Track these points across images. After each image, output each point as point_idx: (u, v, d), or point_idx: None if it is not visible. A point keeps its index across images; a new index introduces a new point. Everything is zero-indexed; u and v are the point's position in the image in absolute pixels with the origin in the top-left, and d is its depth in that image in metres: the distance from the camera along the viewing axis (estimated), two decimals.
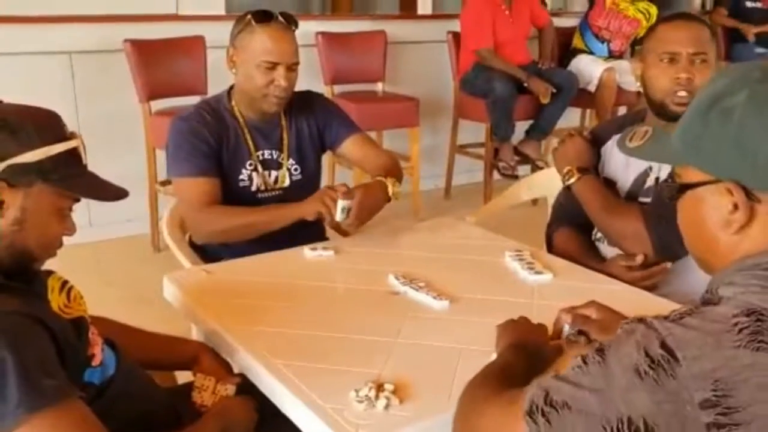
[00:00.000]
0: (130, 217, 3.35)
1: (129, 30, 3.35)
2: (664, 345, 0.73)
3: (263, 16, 1.77)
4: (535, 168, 4.25)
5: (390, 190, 1.81)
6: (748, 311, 0.74)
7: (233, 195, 1.84)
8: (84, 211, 3.49)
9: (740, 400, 0.70)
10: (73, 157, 1.03)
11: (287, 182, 1.92)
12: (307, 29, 3.88)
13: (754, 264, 0.79)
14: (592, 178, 1.74)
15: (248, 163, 1.87)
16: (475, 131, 4.34)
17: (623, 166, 1.73)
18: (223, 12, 3.71)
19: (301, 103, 1.94)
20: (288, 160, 1.92)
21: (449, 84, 4.33)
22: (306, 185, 1.94)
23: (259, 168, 1.88)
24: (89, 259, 3.23)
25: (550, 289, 1.50)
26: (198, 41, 3.39)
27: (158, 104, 3.37)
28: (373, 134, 4.17)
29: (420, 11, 4.45)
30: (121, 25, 3.38)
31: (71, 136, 1.04)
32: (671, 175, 0.91)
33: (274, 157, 1.91)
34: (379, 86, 4.10)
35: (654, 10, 4.43)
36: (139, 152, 3.37)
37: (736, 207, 0.80)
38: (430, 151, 4.50)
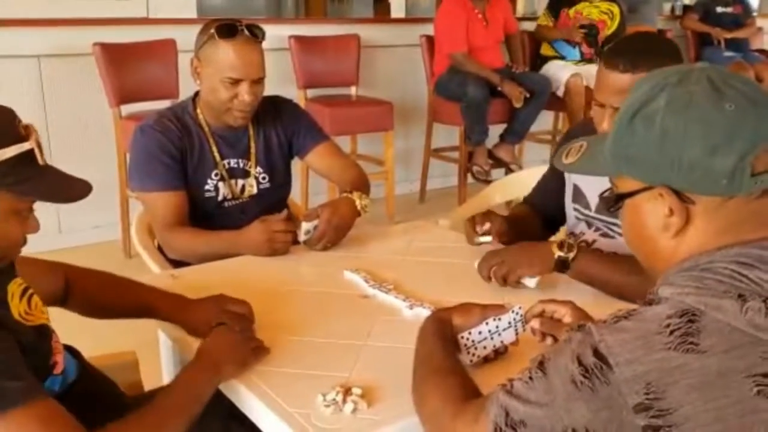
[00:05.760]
0: (101, 222, 3.31)
1: (99, 33, 3.32)
2: (596, 352, 0.75)
3: (227, 31, 1.71)
4: (509, 171, 4.27)
5: (358, 204, 1.78)
6: (682, 312, 0.75)
7: (199, 205, 1.82)
8: (53, 217, 3.45)
9: (672, 402, 0.71)
10: (29, 157, 0.99)
11: (255, 191, 1.90)
12: (280, 33, 3.87)
13: (692, 265, 0.80)
14: (589, 250, 1.56)
15: (214, 172, 1.84)
16: (449, 135, 4.35)
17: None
18: (195, 15, 3.69)
19: (270, 110, 1.91)
20: (255, 168, 1.89)
21: (423, 88, 4.34)
22: (275, 193, 1.92)
23: (226, 177, 1.86)
24: None
25: (523, 293, 1.50)
26: (169, 44, 3.36)
27: (129, 108, 3.33)
28: (347, 138, 4.18)
29: (393, 15, 4.45)
30: (90, 29, 3.35)
31: (26, 133, 0.99)
32: (610, 186, 0.92)
33: (241, 165, 1.88)
34: (352, 90, 4.09)
35: (616, 9, 4.48)
36: (109, 157, 3.32)
37: (672, 211, 0.81)
38: (404, 154, 4.51)
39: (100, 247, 3.46)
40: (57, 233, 3.44)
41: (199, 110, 1.85)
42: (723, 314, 0.73)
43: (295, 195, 3.52)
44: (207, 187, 1.84)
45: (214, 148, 1.85)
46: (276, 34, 3.88)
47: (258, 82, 1.78)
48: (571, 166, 0.93)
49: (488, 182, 4.13)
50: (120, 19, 3.51)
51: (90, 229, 3.47)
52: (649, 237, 0.86)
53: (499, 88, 3.97)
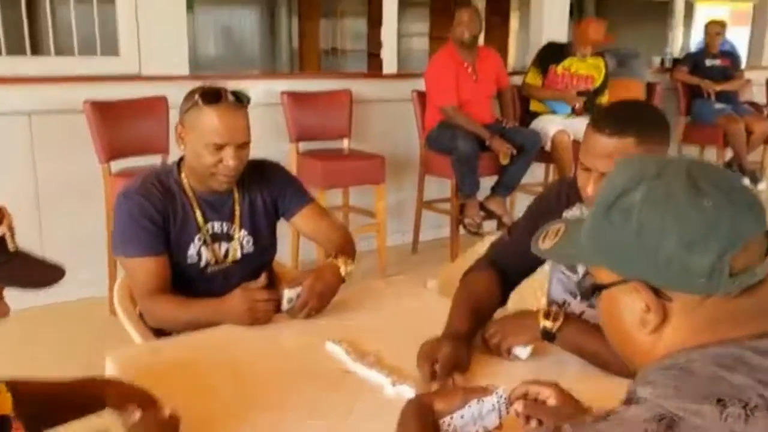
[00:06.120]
0: (88, 278, 3.26)
1: (90, 90, 3.33)
2: None
3: (211, 98, 1.72)
4: (501, 224, 4.27)
5: (342, 270, 1.76)
6: (660, 416, 0.72)
7: (181, 271, 1.80)
8: None
9: None
10: None
11: (239, 255, 1.88)
12: (272, 88, 3.90)
13: (671, 363, 0.77)
14: (577, 320, 1.50)
15: (197, 237, 1.82)
16: (441, 187, 4.36)
17: None
18: (187, 72, 3.70)
19: (255, 173, 1.91)
20: (240, 231, 1.88)
21: (415, 141, 4.36)
22: (259, 257, 1.90)
23: (209, 241, 1.84)
24: (44, 322, 3.13)
25: (516, 367, 1.45)
26: (160, 101, 3.37)
27: (119, 164, 3.33)
28: (339, 191, 4.18)
29: (386, 71, 4.50)
30: (82, 85, 3.36)
31: None
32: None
33: (225, 229, 1.86)
34: (345, 143, 4.10)
35: (602, 63, 4.55)
36: (98, 213, 3.30)
37: (648, 307, 0.79)
38: (397, 206, 4.51)
39: (87, 303, 3.42)
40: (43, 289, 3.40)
41: (183, 174, 1.84)
42: (702, 420, 0.70)
43: (285, 255, 3.52)
44: (190, 252, 1.82)
45: (198, 213, 1.84)
46: (268, 89, 3.92)
47: (243, 146, 1.77)
48: (548, 252, 0.91)
49: (480, 234, 4.13)
50: (112, 76, 3.52)
51: (77, 284, 3.42)
52: (626, 331, 0.83)
53: (488, 144, 3.99)
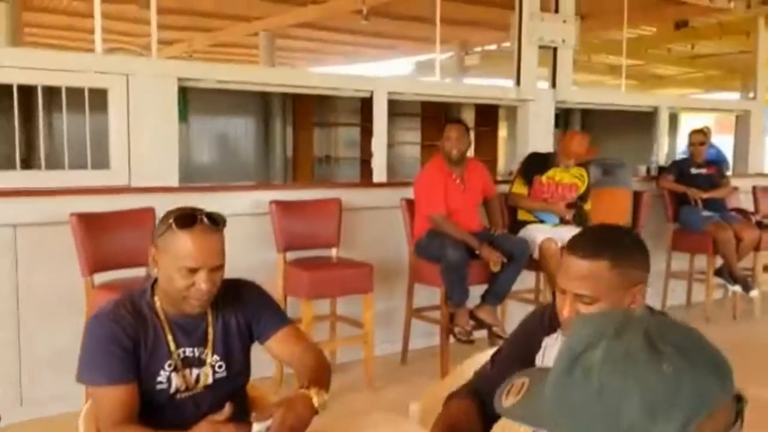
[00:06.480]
0: (65, 393, 3.17)
1: (78, 203, 3.35)
2: None
3: (185, 221, 1.71)
4: (492, 334, 4.21)
5: (315, 401, 1.68)
6: None
7: (149, 398, 1.74)
8: (15, 388, 3.32)
9: None
10: None
11: (210, 380, 1.82)
12: (262, 198, 3.94)
13: None
14: None
15: (167, 363, 1.77)
16: (431, 295, 4.33)
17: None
18: (176, 184, 3.74)
19: (230, 294, 1.87)
20: (212, 356, 1.83)
21: (405, 248, 4.36)
22: (231, 382, 1.85)
23: (179, 367, 1.79)
24: None
25: None
26: (147, 213, 3.39)
27: (103, 276, 3.31)
28: (326, 301, 4.14)
29: (376, 179, 4.56)
30: (69, 198, 3.39)
31: None
32: None
33: (197, 354, 1.81)
34: (333, 252, 4.10)
35: (585, 173, 4.63)
36: (78, 326, 3.23)
37: None
38: (386, 315, 4.46)
39: (63, 419, 3.31)
40: (18, 406, 3.31)
41: (156, 298, 1.82)
42: None
43: (270, 372, 3.40)
44: (159, 378, 1.76)
45: (170, 337, 1.79)
46: (257, 199, 3.96)
47: (216, 269, 1.76)
48: (510, 412, 0.88)
49: (471, 342, 4.06)
50: (100, 188, 3.56)
51: (53, 400, 3.33)
52: None
53: (477, 252, 3.99)
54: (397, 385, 4.04)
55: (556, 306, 1.55)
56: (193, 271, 1.72)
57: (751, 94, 6.79)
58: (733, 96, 11.34)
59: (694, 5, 6.46)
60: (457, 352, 4.09)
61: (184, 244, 1.71)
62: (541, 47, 5.09)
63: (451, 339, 4.17)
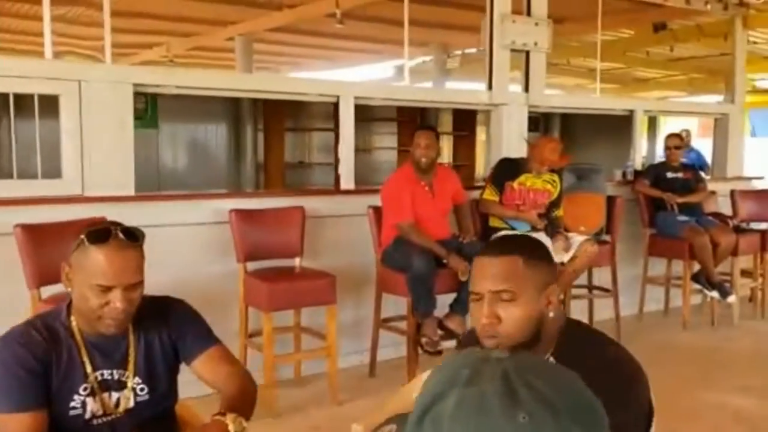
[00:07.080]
0: None
1: (26, 213, 3.23)
2: None
3: (97, 237, 1.62)
4: (460, 343, 4.11)
5: (231, 429, 1.58)
6: None
7: (62, 424, 1.63)
8: None
9: None
10: None
11: (131, 404, 1.72)
12: (223, 207, 3.82)
13: None
14: None
15: (82, 387, 1.67)
16: (400, 304, 4.22)
17: None
18: (132, 193, 3.62)
19: (154, 313, 1.78)
20: (134, 378, 1.73)
21: (372, 257, 4.26)
22: (155, 406, 1.74)
23: (97, 391, 1.68)
24: None
25: None
26: (96, 222, 3.27)
27: (51, 289, 3.18)
28: (290, 312, 4.03)
29: (343, 186, 4.46)
30: (15, 209, 3.27)
31: None
32: None
33: (116, 376, 1.71)
34: (296, 261, 3.99)
35: (557, 178, 4.55)
36: None
37: None
38: (353, 325, 4.36)
39: None
40: None
41: (72, 318, 1.71)
42: None
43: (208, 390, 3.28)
44: (73, 404, 1.66)
45: (86, 359, 1.69)
46: (218, 208, 3.85)
47: (133, 287, 1.65)
48: None
49: (439, 353, 3.97)
50: (49, 198, 3.44)
51: None
52: None
53: (445, 261, 3.90)
54: (363, 397, 3.93)
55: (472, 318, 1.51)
56: (107, 289, 1.62)
57: (730, 97, 6.73)
58: (718, 99, 11.30)
59: (671, 8, 6.39)
60: (427, 362, 3.99)
61: (96, 260, 1.62)
62: (513, 51, 5.01)
63: (420, 350, 4.07)
